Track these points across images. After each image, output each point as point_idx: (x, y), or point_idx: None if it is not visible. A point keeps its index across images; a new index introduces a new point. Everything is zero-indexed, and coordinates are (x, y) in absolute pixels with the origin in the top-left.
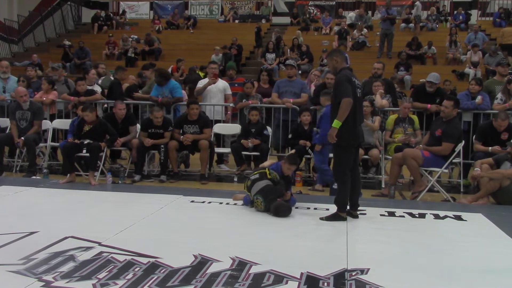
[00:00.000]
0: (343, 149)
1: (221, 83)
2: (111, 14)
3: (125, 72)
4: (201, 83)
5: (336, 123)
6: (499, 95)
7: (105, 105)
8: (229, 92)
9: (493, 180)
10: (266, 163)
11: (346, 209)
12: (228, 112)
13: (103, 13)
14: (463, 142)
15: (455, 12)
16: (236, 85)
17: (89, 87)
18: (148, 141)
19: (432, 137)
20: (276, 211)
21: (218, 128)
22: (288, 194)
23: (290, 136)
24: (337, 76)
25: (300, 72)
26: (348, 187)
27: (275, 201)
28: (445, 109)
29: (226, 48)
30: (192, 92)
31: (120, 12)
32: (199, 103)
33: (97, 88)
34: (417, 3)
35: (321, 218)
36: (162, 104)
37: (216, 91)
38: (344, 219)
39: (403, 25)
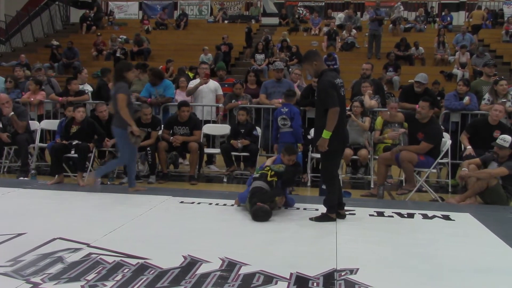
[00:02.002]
0: (332, 152)
1: (213, 84)
2: (102, 14)
3: (111, 73)
4: (192, 84)
5: (326, 134)
6: (486, 96)
7: (93, 106)
8: (221, 92)
9: (480, 180)
10: (268, 161)
11: (335, 210)
12: (220, 113)
13: (92, 13)
14: (450, 141)
15: (443, 13)
16: (226, 85)
17: (80, 86)
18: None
19: (413, 140)
20: (254, 215)
21: (207, 129)
22: (282, 199)
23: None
24: (320, 81)
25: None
26: (337, 188)
27: (255, 205)
28: (421, 110)
29: (218, 49)
30: None
31: (108, 12)
32: (190, 103)
33: (88, 88)
34: (398, 3)
35: (311, 219)
36: (151, 104)
37: (208, 92)
38: (334, 219)
39: (391, 26)
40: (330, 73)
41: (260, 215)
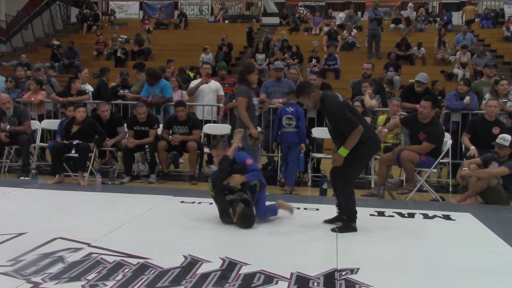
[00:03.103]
0: (359, 156)
1: (214, 84)
2: (100, 14)
3: (110, 72)
4: (193, 83)
5: (343, 152)
6: (487, 96)
7: (93, 106)
8: (222, 93)
9: (481, 179)
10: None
11: (356, 217)
12: (221, 113)
13: (85, 11)
14: (451, 141)
15: (443, 13)
16: (226, 85)
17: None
18: (131, 142)
19: (414, 140)
20: (241, 222)
21: (208, 129)
22: (238, 179)
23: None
24: (327, 107)
25: None
26: (354, 194)
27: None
28: (423, 110)
29: (219, 49)
30: None
31: (108, 12)
32: (191, 103)
33: (89, 87)
34: (410, 4)
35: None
36: (151, 104)
37: (208, 91)
38: (355, 229)
39: (392, 26)
40: (329, 93)
41: (247, 221)
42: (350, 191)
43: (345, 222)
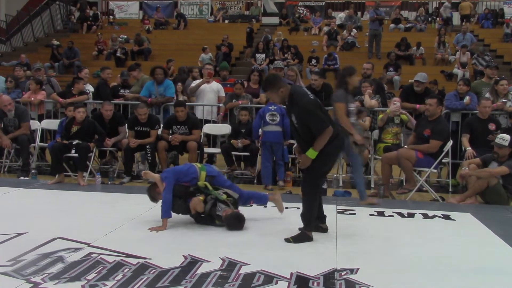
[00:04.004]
0: (323, 157)
1: (215, 85)
2: (99, 14)
3: (107, 71)
4: (194, 83)
5: (312, 154)
6: (487, 95)
7: (93, 106)
8: (223, 94)
9: (480, 179)
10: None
11: (313, 226)
12: (221, 113)
13: (77, 11)
14: (451, 141)
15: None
16: (228, 85)
17: None
18: (133, 142)
19: (420, 138)
20: (228, 225)
21: (208, 128)
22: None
23: None
24: (295, 104)
25: None
26: (318, 202)
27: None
28: (429, 107)
29: (219, 49)
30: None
31: (108, 12)
32: (191, 102)
33: (89, 88)
34: (446, 4)
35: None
36: (151, 104)
37: (209, 91)
38: (311, 239)
39: (392, 25)
40: (299, 89)
41: (233, 224)
42: (314, 196)
43: (301, 230)
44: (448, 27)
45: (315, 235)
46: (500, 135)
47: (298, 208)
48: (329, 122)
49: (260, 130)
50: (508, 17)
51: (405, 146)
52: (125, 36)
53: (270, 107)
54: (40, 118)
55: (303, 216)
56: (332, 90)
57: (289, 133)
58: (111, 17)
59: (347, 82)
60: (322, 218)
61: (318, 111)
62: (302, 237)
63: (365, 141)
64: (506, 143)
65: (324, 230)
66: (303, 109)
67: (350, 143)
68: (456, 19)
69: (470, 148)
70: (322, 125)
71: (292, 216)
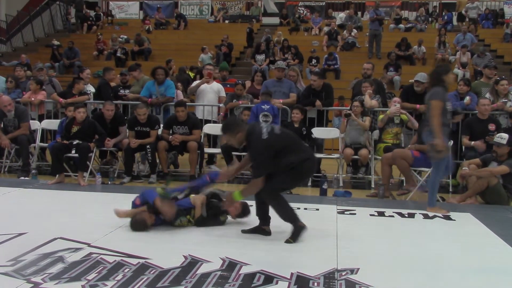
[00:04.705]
0: (288, 178)
1: (216, 85)
2: (101, 14)
3: (112, 72)
4: (194, 83)
5: (238, 196)
6: (487, 96)
7: (94, 106)
8: (223, 94)
9: (480, 179)
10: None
11: (297, 217)
12: (221, 113)
13: (92, 13)
14: (452, 142)
15: (443, 13)
16: (228, 85)
17: None
18: (133, 142)
19: (420, 136)
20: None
21: (208, 129)
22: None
23: None
24: (253, 146)
25: None
26: (283, 200)
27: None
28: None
29: (219, 49)
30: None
31: (107, 12)
32: (192, 102)
33: (90, 88)
34: (476, 3)
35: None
36: (151, 104)
37: (210, 91)
38: (303, 226)
39: (392, 25)
40: (256, 131)
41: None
42: (277, 200)
43: (293, 228)
44: (475, 26)
45: (315, 234)
46: (498, 134)
47: (298, 208)
48: (292, 150)
49: None
50: (508, 17)
51: (409, 146)
52: (126, 36)
53: (263, 106)
54: (41, 118)
55: (283, 218)
56: (332, 90)
57: None
58: (109, 17)
59: (444, 80)
60: (267, 220)
61: (264, 156)
62: (297, 232)
63: (445, 149)
64: (504, 141)
65: (267, 233)
66: (253, 153)
67: (430, 146)
68: (455, 19)
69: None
70: (257, 172)
71: None
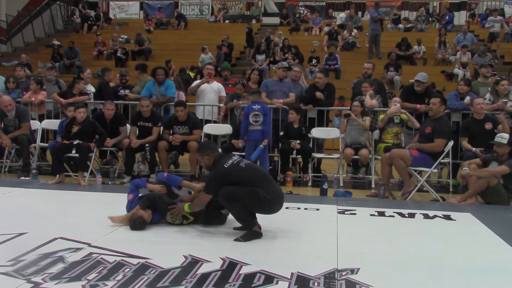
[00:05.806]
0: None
1: (216, 85)
2: (101, 14)
3: (111, 72)
4: (194, 83)
5: (187, 208)
6: (487, 96)
7: (94, 106)
8: (224, 94)
9: (481, 179)
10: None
11: (252, 220)
12: (221, 113)
13: (92, 13)
14: (452, 142)
15: (444, 13)
16: (229, 85)
17: None
18: (134, 142)
19: (422, 136)
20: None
21: (208, 129)
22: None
23: (281, 133)
24: (213, 168)
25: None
26: (239, 203)
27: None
28: (432, 106)
29: (219, 49)
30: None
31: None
32: (192, 102)
33: (91, 88)
34: (492, 17)
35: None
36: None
37: (210, 91)
38: (259, 233)
39: (389, 25)
40: (222, 161)
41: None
42: (236, 205)
43: (246, 230)
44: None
45: (315, 234)
46: (499, 134)
47: (299, 209)
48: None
49: None
50: (508, 17)
51: (409, 145)
52: (126, 36)
53: (254, 106)
54: (41, 118)
55: (236, 220)
56: (334, 89)
57: (268, 132)
58: (106, 22)
59: None
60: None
61: (217, 180)
62: (249, 235)
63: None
64: (505, 141)
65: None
66: (211, 171)
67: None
68: (456, 19)
69: (475, 149)
70: (205, 189)
71: (292, 216)
